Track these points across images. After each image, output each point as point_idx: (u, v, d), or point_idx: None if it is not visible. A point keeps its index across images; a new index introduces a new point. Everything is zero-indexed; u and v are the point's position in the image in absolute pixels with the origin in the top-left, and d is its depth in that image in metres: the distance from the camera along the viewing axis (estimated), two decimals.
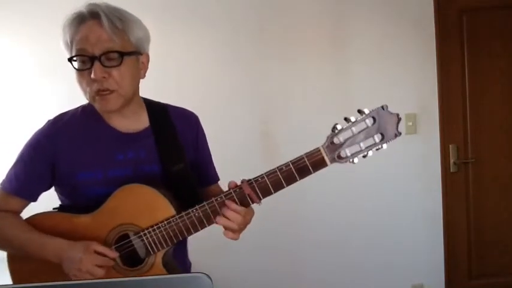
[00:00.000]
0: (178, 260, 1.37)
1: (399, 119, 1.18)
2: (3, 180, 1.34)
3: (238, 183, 1.23)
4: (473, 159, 2.99)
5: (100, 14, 1.20)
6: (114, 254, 1.22)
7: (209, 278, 0.77)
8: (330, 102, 2.83)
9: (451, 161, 2.97)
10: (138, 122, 1.34)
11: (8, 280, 1.33)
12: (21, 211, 1.35)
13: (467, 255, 3.03)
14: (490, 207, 3.02)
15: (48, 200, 1.36)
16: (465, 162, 2.99)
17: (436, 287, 3.00)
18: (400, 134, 1.18)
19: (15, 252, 1.32)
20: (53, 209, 1.35)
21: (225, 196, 1.21)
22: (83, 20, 1.22)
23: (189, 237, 1.32)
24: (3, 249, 1.33)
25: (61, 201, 1.37)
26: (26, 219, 1.33)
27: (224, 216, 1.21)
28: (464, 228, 3.02)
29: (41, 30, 2.49)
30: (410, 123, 2.91)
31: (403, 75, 2.90)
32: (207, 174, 1.47)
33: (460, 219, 3.01)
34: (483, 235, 3.02)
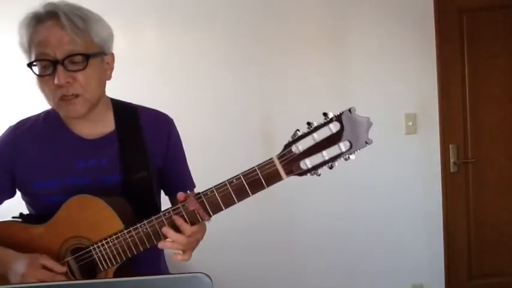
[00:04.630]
0: (149, 273, 1.27)
1: (370, 124, 1.00)
2: None
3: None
4: (473, 159, 2.98)
5: (59, 14, 1.11)
6: (61, 269, 1.14)
7: (209, 278, 0.77)
8: (330, 102, 2.82)
9: (451, 161, 2.97)
10: (103, 125, 1.26)
11: None
12: None
13: (467, 255, 3.03)
14: (490, 207, 3.02)
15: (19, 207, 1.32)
16: (465, 162, 2.99)
17: (436, 287, 3.00)
18: (371, 142, 1.00)
19: None
20: (12, 217, 1.28)
21: (172, 211, 1.10)
22: (40, 20, 1.13)
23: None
24: None
25: (27, 208, 1.32)
26: None
27: (165, 237, 1.10)
28: (464, 229, 3.01)
29: None
30: (410, 123, 2.91)
31: (403, 75, 2.90)
32: (179, 182, 1.36)
33: (460, 219, 3.01)
34: (483, 235, 3.02)
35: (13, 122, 1.33)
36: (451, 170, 2.98)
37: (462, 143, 2.98)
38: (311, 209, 2.87)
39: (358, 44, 2.87)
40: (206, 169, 2.60)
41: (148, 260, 1.26)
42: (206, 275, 0.77)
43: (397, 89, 2.89)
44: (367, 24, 2.87)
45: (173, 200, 1.32)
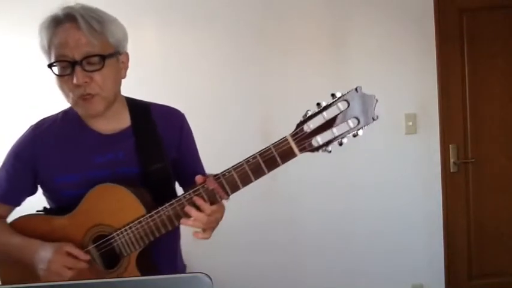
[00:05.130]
0: (167, 263, 1.35)
1: (376, 101, 1.09)
2: None
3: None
4: (473, 159, 2.98)
5: (77, 17, 1.17)
6: (85, 257, 1.21)
7: (209, 278, 0.77)
8: None
9: (451, 161, 2.97)
10: (119, 122, 1.32)
11: None
12: (6, 216, 1.37)
13: (467, 255, 3.03)
14: (490, 207, 3.02)
15: (40, 202, 1.38)
16: (465, 162, 2.99)
17: (436, 287, 3.00)
18: (377, 117, 1.07)
19: (1, 256, 1.34)
20: (37, 211, 1.36)
21: (193, 193, 1.17)
22: (59, 23, 1.19)
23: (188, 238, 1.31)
24: None
25: (48, 203, 1.37)
26: (10, 222, 1.35)
27: (188, 215, 1.17)
28: (464, 229, 3.01)
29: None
30: (410, 123, 2.91)
31: (403, 75, 2.90)
32: (192, 173, 1.37)
33: (460, 219, 3.01)
34: (483, 235, 3.02)
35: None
36: (451, 170, 2.98)
37: (462, 143, 2.98)
38: (311, 208, 2.87)
39: (358, 44, 2.87)
40: (205, 169, 2.61)
41: (166, 252, 1.34)
42: (206, 275, 0.77)
43: (397, 89, 2.89)
44: (367, 24, 2.87)
45: (187, 190, 1.39)
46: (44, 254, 1.19)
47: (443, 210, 2.98)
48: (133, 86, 2.45)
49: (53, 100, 1.28)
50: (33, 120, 1.38)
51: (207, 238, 1.23)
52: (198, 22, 2.76)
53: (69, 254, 1.19)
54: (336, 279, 2.90)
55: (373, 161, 2.80)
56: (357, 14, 2.87)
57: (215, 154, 2.69)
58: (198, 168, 1.45)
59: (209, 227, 1.22)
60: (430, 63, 2.92)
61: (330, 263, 2.90)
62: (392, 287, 2.94)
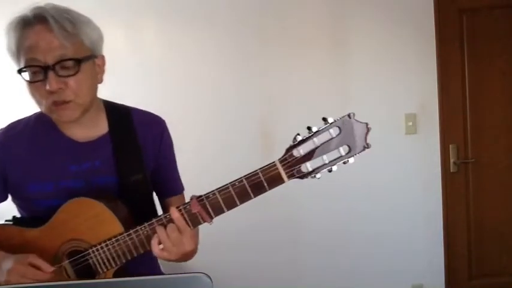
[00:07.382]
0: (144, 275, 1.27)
1: (368, 129, 1.04)
2: None
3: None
4: (473, 159, 2.98)
5: (47, 17, 1.08)
6: (49, 269, 1.11)
7: (209, 278, 0.77)
8: (330, 102, 2.83)
9: (451, 161, 2.97)
10: (95, 128, 1.24)
11: None
12: None
13: (467, 255, 3.03)
14: (490, 207, 3.02)
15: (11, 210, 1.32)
16: (465, 162, 2.99)
17: (436, 287, 3.00)
18: (369, 146, 1.04)
19: None
20: (6, 221, 1.27)
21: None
22: (28, 24, 1.09)
23: None
24: None
25: (18, 212, 1.29)
26: None
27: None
28: (464, 229, 3.01)
29: None
30: (410, 123, 2.91)
31: (403, 75, 2.90)
32: (169, 185, 1.35)
33: (460, 219, 3.01)
34: (483, 235, 3.02)
35: (4, 124, 1.30)
36: (451, 170, 2.98)
37: (462, 143, 2.98)
38: (311, 209, 2.87)
39: (358, 44, 2.87)
40: (205, 169, 2.61)
41: (144, 261, 1.24)
42: (206, 275, 0.77)
43: (397, 89, 2.89)
44: (367, 24, 2.87)
45: (163, 201, 1.34)
46: (5, 265, 1.10)
47: (443, 210, 2.98)
48: (133, 86, 2.46)
49: (22, 104, 1.22)
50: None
51: (168, 258, 1.13)
52: (198, 22, 2.76)
53: (33, 265, 1.10)
54: (336, 279, 2.90)
55: (373, 161, 2.79)
56: (357, 14, 2.87)
57: (214, 154, 2.71)
58: (175, 179, 1.38)
59: (173, 252, 1.11)
60: (430, 63, 2.92)
61: (330, 263, 2.90)
62: (392, 287, 2.94)
